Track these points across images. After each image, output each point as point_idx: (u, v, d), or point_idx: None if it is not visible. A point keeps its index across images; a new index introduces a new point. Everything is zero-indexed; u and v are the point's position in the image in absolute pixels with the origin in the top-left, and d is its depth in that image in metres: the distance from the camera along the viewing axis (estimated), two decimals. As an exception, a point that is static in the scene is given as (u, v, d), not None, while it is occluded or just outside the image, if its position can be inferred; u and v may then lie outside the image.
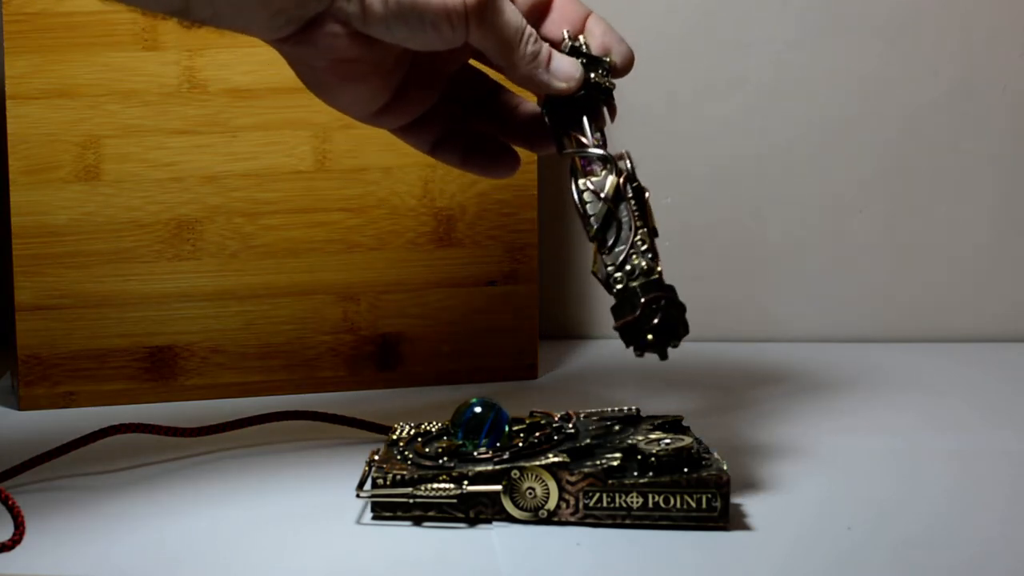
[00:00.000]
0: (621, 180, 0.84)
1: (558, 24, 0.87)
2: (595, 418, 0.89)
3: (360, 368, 1.09)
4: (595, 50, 0.87)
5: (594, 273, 0.84)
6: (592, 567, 0.78)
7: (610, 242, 0.84)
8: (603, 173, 0.84)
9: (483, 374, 1.10)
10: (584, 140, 0.85)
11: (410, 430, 0.89)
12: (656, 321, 0.83)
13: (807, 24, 1.19)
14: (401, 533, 0.82)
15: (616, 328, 0.83)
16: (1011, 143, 1.20)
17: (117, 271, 1.05)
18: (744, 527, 0.82)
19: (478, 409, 0.85)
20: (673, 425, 0.88)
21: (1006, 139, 1.20)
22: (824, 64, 1.20)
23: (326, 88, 0.84)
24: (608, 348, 1.19)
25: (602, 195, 0.84)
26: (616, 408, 0.90)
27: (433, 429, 0.89)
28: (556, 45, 0.86)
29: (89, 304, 1.05)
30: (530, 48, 0.84)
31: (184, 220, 1.06)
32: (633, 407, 0.90)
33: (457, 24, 0.81)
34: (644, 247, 0.83)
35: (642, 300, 0.82)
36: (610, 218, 0.84)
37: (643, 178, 1.21)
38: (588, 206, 0.84)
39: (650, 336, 0.82)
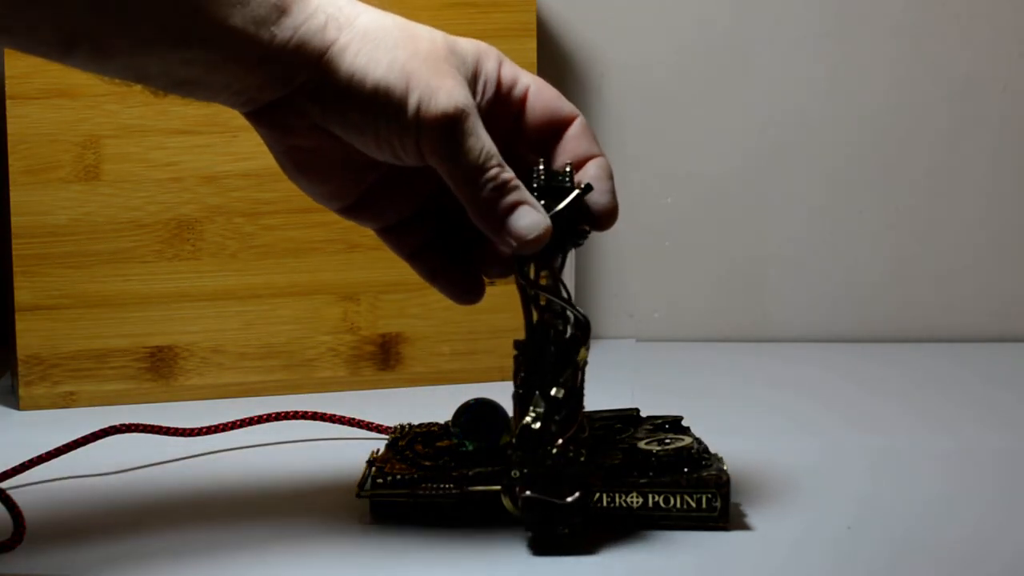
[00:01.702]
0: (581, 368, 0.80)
1: (560, 159, 0.81)
2: (595, 418, 0.89)
3: (360, 368, 1.09)
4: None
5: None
6: (593, 567, 0.78)
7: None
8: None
9: (483, 374, 1.10)
10: (561, 286, 0.80)
11: (410, 430, 0.89)
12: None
13: (807, 24, 1.19)
14: (401, 533, 0.82)
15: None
16: (1011, 143, 1.20)
17: (117, 271, 1.05)
18: (744, 527, 0.82)
19: (478, 409, 0.85)
20: (673, 425, 0.88)
21: (1006, 139, 1.20)
22: (823, 64, 1.20)
23: (287, 172, 0.81)
24: (608, 348, 1.19)
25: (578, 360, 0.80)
26: (616, 408, 0.90)
27: (433, 429, 0.89)
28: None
29: (89, 304, 1.05)
30: (487, 191, 0.77)
31: (184, 220, 1.06)
32: (633, 407, 0.90)
33: (407, 143, 0.76)
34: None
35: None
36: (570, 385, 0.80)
37: (644, 178, 1.22)
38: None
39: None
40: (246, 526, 0.83)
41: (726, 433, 0.89)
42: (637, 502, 0.82)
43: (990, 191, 1.21)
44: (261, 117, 0.78)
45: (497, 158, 0.77)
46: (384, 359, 1.09)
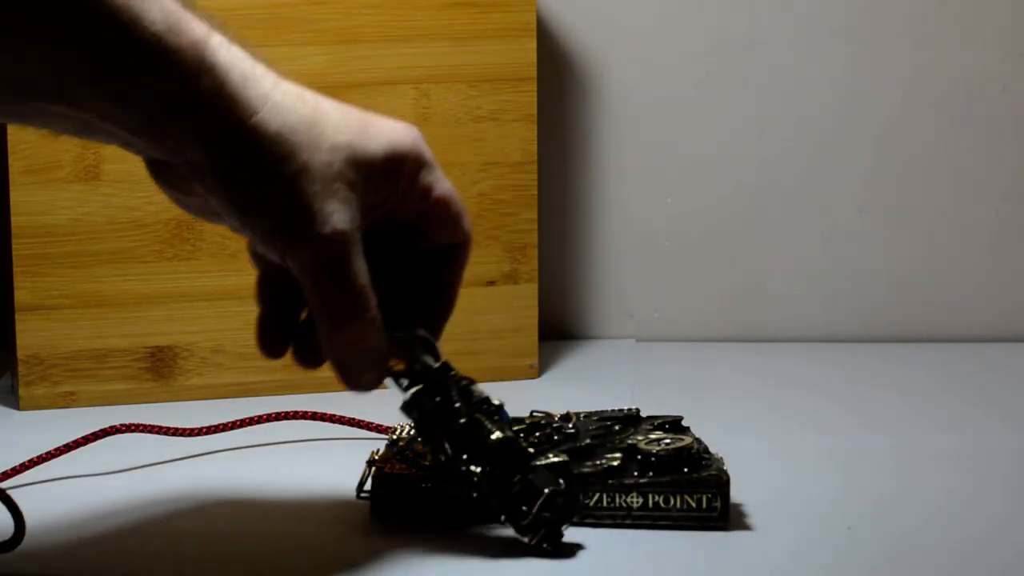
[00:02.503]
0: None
1: (438, 279, 0.81)
2: (595, 418, 0.89)
3: (360, 368, 1.09)
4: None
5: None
6: (592, 567, 0.78)
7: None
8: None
9: (483, 374, 1.09)
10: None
11: (410, 430, 0.89)
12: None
13: (807, 24, 1.19)
14: (401, 533, 0.82)
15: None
16: (1011, 143, 1.20)
17: (117, 271, 1.05)
18: (744, 527, 0.82)
19: (478, 409, 0.85)
20: (673, 425, 0.88)
21: (1006, 139, 1.20)
22: (823, 64, 1.20)
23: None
24: (608, 348, 1.19)
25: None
26: (616, 408, 0.90)
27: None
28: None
29: (89, 304, 1.05)
30: (343, 337, 0.76)
31: (184, 220, 1.06)
32: (633, 407, 0.90)
33: (270, 251, 0.74)
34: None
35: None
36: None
37: (643, 177, 1.22)
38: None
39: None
40: (246, 526, 0.83)
41: (726, 433, 0.89)
42: (637, 502, 0.82)
43: (990, 191, 1.21)
44: (152, 167, 0.75)
45: (361, 298, 0.75)
46: (384, 359, 1.09)
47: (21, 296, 1.04)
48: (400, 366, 0.80)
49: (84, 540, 0.82)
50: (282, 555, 0.80)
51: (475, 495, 0.79)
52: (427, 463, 0.84)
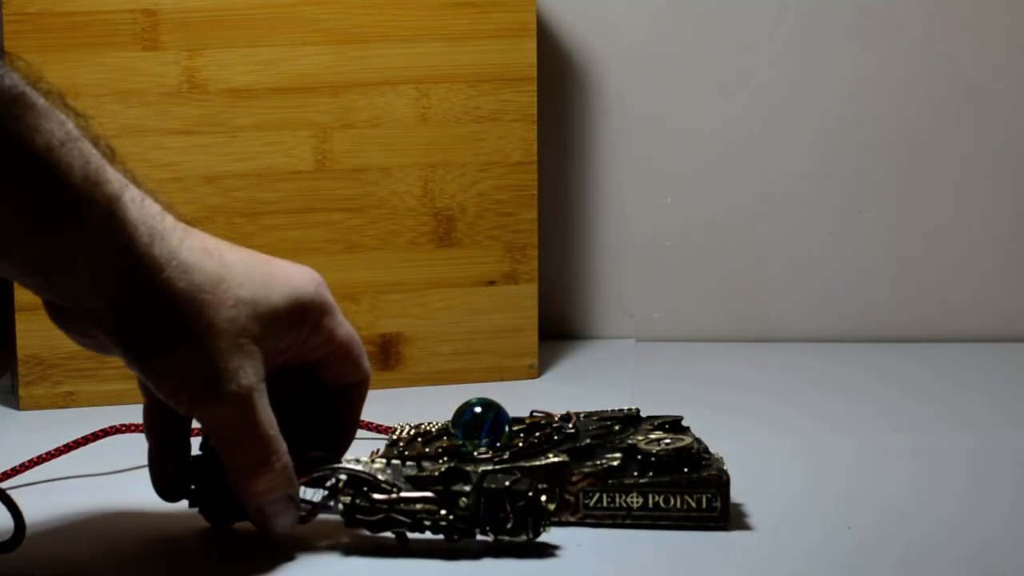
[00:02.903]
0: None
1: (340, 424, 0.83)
2: (595, 418, 0.89)
3: (360, 368, 1.09)
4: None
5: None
6: (592, 567, 0.78)
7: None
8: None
9: (483, 374, 1.10)
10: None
11: (410, 430, 0.89)
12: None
13: (807, 24, 1.19)
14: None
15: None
16: (1011, 143, 1.20)
17: (117, 271, 1.05)
18: (744, 527, 0.82)
19: (478, 409, 0.85)
20: (673, 425, 0.88)
21: (1006, 139, 1.20)
22: (824, 64, 1.20)
23: None
24: (608, 348, 1.19)
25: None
26: (616, 408, 0.90)
27: (433, 429, 0.89)
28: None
29: (89, 304, 1.05)
30: (255, 488, 0.77)
31: (184, 220, 1.05)
32: (633, 407, 0.90)
33: (175, 405, 0.75)
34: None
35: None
36: None
37: (643, 176, 1.22)
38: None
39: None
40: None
41: (726, 433, 0.89)
42: (637, 502, 0.82)
43: (990, 191, 1.21)
44: (49, 309, 0.76)
45: (270, 448, 0.76)
46: (384, 359, 1.09)
47: (21, 296, 1.04)
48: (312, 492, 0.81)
49: (84, 540, 0.82)
50: (281, 554, 0.79)
51: (457, 537, 0.79)
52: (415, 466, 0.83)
